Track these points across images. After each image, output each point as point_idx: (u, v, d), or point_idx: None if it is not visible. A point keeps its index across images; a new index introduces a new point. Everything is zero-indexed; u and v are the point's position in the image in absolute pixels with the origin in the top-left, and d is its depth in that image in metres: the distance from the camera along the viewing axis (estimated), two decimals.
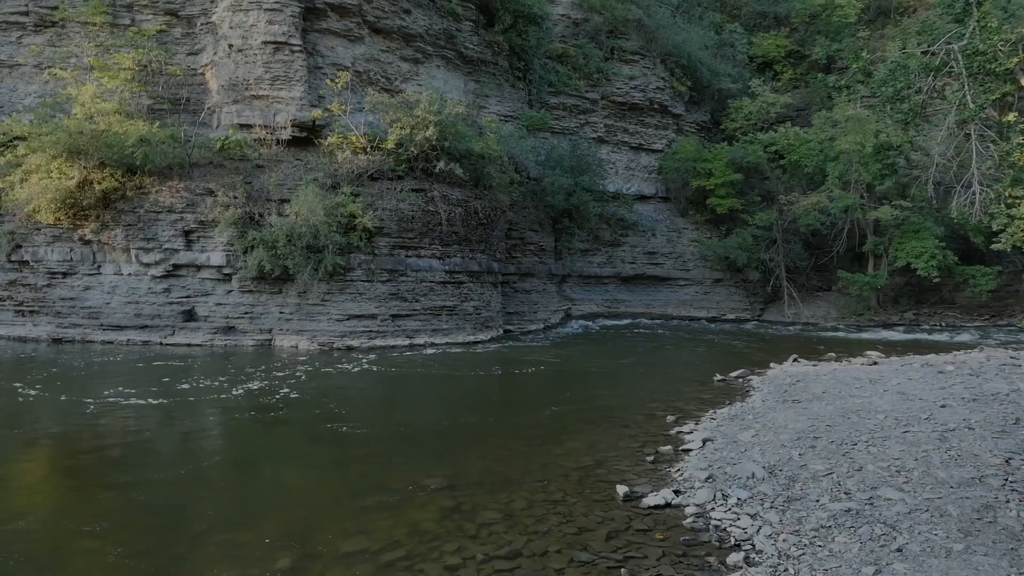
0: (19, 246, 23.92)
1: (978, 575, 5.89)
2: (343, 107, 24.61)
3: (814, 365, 18.84)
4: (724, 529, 7.43)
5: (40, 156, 22.49)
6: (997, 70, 9.58)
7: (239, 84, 25.18)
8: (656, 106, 39.54)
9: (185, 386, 15.76)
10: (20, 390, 14.90)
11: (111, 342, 22.51)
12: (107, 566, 6.85)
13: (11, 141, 23.77)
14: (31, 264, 23.86)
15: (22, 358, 19.81)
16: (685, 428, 12.02)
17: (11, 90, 26.71)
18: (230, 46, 25.21)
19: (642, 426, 12.44)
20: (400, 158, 24.50)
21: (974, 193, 11.44)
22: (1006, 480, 7.99)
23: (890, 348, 23.32)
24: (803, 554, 6.59)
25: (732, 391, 15.77)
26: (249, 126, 24.99)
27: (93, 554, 7.12)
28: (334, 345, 22.37)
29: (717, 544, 7.11)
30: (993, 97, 10.04)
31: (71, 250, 23.66)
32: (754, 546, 6.95)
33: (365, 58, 27.33)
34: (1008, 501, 7.39)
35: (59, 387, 15.27)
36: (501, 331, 26.88)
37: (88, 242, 23.51)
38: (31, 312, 23.82)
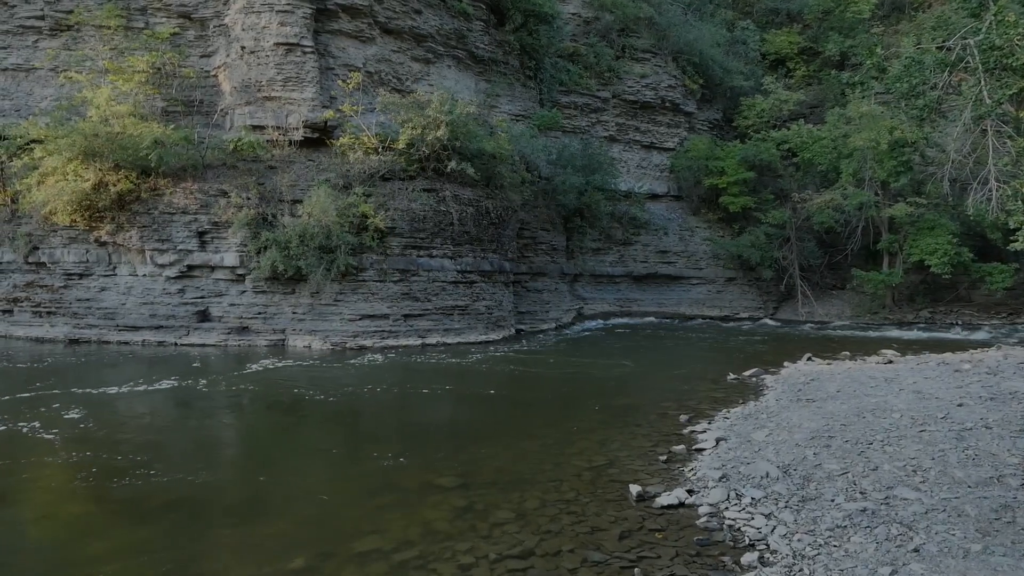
0: (36, 248, 24.23)
1: None
2: (355, 108, 24.70)
3: (828, 364, 18.71)
4: (738, 529, 7.39)
5: (56, 158, 22.77)
6: (1014, 65, 9.46)
7: (251, 86, 25.34)
8: (668, 104, 39.40)
9: (201, 382, 15.93)
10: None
11: (127, 343, 22.75)
12: (121, 564, 6.91)
13: (28, 144, 24.05)
14: (48, 265, 24.16)
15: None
16: (698, 427, 11.97)
17: (27, 93, 27.04)
18: (242, 48, 25.37)
19: (655, 425, 12.40)
20: (411, 158, 24.56)
21: (991, 190, 11.31)
22: None
23: (905, 347, 23.10)
24: (818, 554, 6.55)
25: (746, 390, 15.69)
26: (262, 127, 25.14)
27: (107, 552, 7.18)
28: (347, 345, 22.47)
29: (731, 544, 7.07)
30: (1010, 92, 9.92)
31: (87, 251, 23.92)
32: (768, 546, 6.91)
33: (376, 59, 27.42)
34: None
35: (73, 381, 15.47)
36: (513, 331, 26.89)
37: (104, 243, 23.76)
38: (48, 313, 24.11)
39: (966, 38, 10.09)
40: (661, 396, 15.48)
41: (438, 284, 24.28)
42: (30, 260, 24.31)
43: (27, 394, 14.55)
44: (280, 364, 19.31)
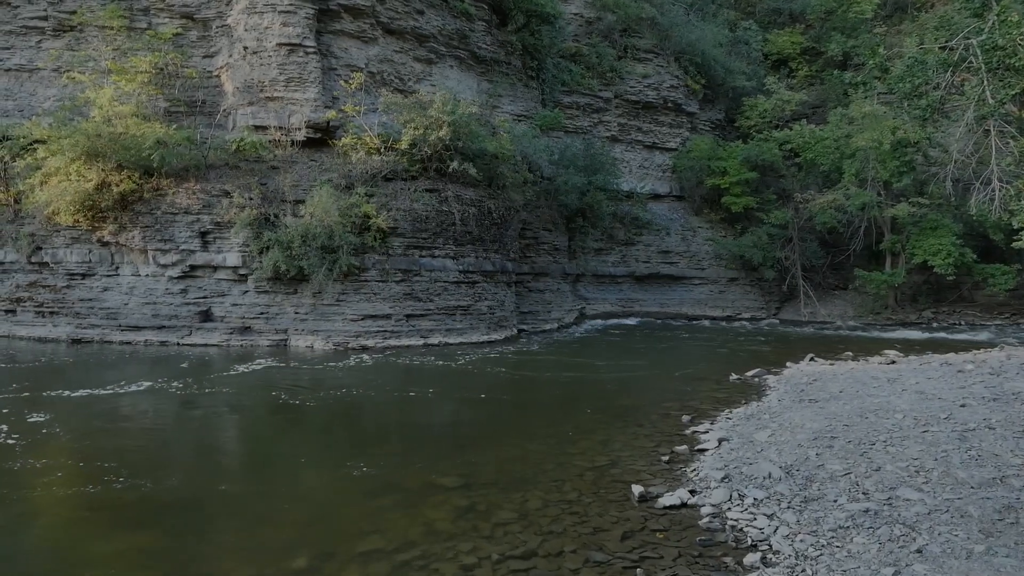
0: (39, 248, 24.26)
1: None
2: (357, 108, 24.72)
3: (831, 364, 18.69)
4: (741, 529, 7.39)
5: (59, 159, 22.78)
6: (1017, 65, 9.43)
7: (254, 86, 25.37)
8: (670, 104, 39.37)
9: (174, 385, 15.94)
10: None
11: (129, 343, 22.77)
12: (123, 565, 6.92)
13: (31, 144, 24.07)
14: (51, 265, 24.19)
15: None
16: (701, 428, 11.97)
17: (31, 94, 27.08)
18: (245, 48, 25.40)
19: (657, 426, 12.39)
20: (414, 158, 24.57)
21: (993, 190, 11.27)
22: None
23: (908, 347, 23.07)
24: (821, 555, 6.54)
25: (748, 390, 15.68)
26: (264, 127, 25.16)
27: (108, 554, 7.19)
28: (349, 345, 22.48)
29: (734, 544, 7.07)
30: (1013, 92, 9.88)
31: (90, 251, 23.95)
32: (771, 546, 6.91)
33: (379, 59, 27.44)
34: None
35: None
36: (515, 331, 26.88)
37: (106, 243, 23.79)
38: (51, 313, 24.14)
39: (969, 38, 10.07)
40: (663, 396, 15.47)
41: (440, 284, 24.29)
42: (33, 260, 24.34)
43: None
44: (263, 366, 18.77)
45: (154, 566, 6.85)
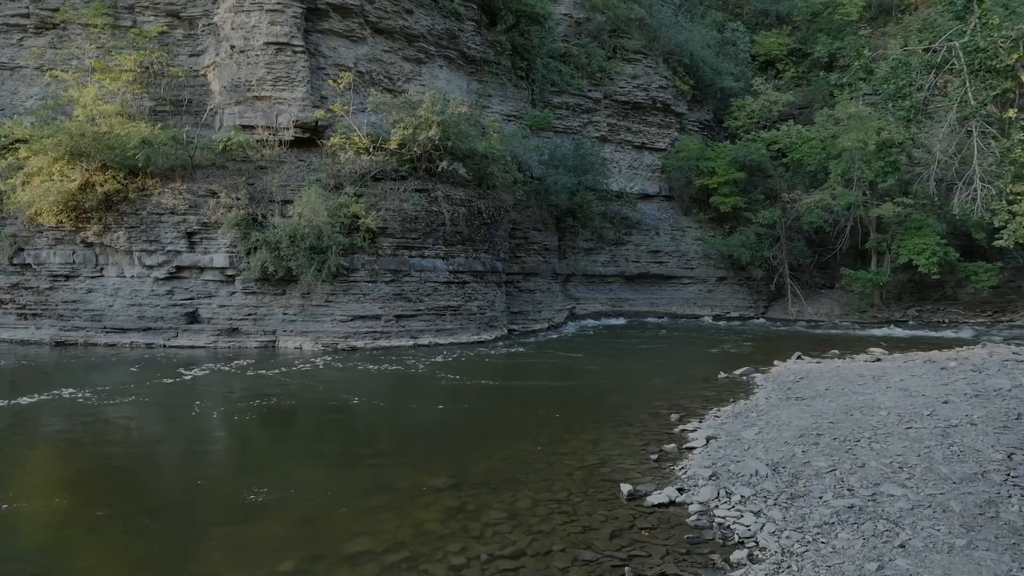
0: (21, 249, 23.97)
1: (980, 570, 5.90)
2: (346, 108, 24.64)
3: (817, 362, 18.84)
4: (728, 527, 7.44)
5: (42, 158, 22.52)
6: (998, 67, 9.57)
7: (241, 85, 25.23)
8: (659, 105, 39.55)
9: (85, 393, 15.76)
10: None
11: (114, 345, 22.58)
12: (111, 567, 6.88)
13: (13, 144, 23.79)
14: (33, 267, 23.90)
15: None
16: (689, 426, 12.03)
17: (12, 92, 26.77)
18: (232, 47, 25.25)
19: (646, 424, 12.44)
20: (403, 158, 24.53)
21: (976, 190, 11.43)
22: (1008, 475, 8.00)
23: (893, 345, 23.31)
24: (806, 551, 6.61)
25: (736, 389, 15.77)
26: (251, 127, 25.03)
27: (97, 556, 7.15)
28: (338, 346, 22.40)
29: (721, 542, 7.11)
30: (994, 94, 10.02)
31: (73, 252, 23.70)
32: (758, 543, 6.97)
33: (367, 58, 27.36)
34: (1010, 496, 7.40)
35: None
36: (505, 331, 26.90)
37: (90, 244, 23.55)
38: (34, 315, 23.86)
39: (951, 40, 10.21)
40: (652, 395, 15.54)
41: (430, 284, 24.26)
42: (15, 261, 24.03)
43: None
44: (212, 371, 17.82)
45: (141, 569, 6.80)
